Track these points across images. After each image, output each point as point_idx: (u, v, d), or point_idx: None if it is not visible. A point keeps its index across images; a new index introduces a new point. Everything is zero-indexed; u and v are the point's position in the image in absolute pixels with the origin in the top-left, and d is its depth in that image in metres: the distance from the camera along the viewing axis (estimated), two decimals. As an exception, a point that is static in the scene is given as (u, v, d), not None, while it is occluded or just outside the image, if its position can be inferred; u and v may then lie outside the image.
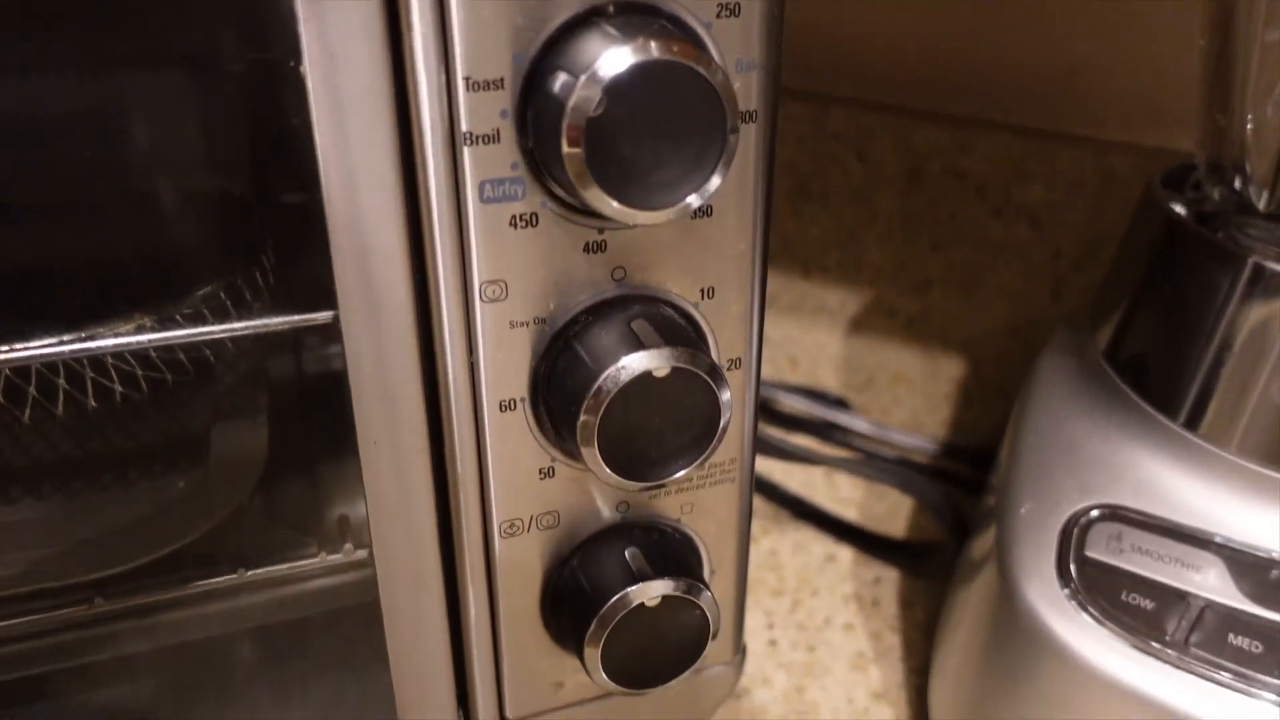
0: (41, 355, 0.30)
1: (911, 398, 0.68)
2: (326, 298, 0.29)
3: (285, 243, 0.37)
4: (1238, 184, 0.39)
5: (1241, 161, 0.38)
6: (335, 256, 0.28)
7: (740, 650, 0.41)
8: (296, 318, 0.30)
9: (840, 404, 0.70)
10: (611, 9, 0.27)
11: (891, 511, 0.62)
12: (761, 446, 0.65)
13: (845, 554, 0.59)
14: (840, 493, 0.64)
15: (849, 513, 0.62)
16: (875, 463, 0.64)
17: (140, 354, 0.32)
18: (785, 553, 0.59)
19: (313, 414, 0.38)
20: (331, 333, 0.30)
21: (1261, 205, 0.37)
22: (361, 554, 0.36)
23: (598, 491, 0.34)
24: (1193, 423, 0.39)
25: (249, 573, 0.34)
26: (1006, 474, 0.43)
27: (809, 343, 0.71)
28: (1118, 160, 0.57)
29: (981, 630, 0.41)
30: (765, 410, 0.70)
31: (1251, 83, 0.35)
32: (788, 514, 0.62)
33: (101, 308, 0.31)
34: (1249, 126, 0.36)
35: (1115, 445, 0.40)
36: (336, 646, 0.40)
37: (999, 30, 0.59)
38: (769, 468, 0.65)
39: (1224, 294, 0.37)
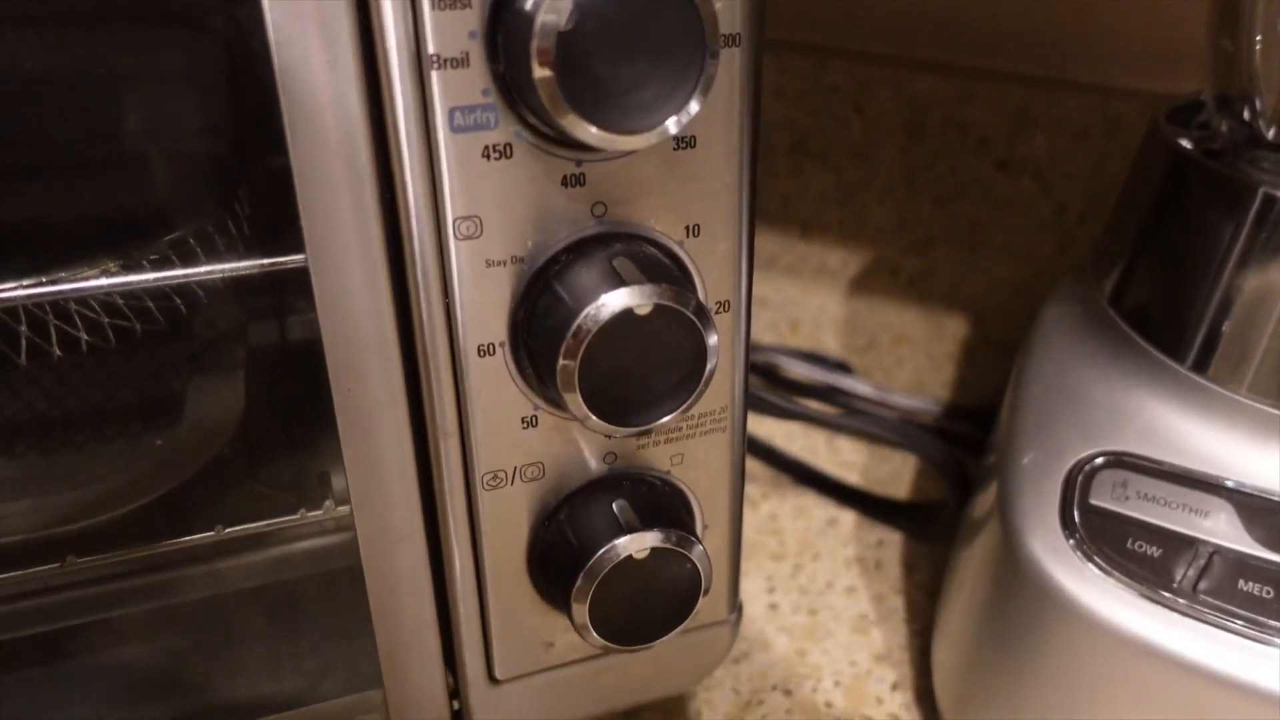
0: (2, 300, 0.29)
1: (914, 358, 0.67)
2: (300, 244, 0.28)
3: (260, 189, 0.35)
4: (1246, 116, 0.37)
5: (1250, 91, 0.37)
6: (300, 192, 0.27)
7: (736, 609, 0.40)
8: (264, 261, 0.29)
9: (842, 367, 0.69)
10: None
11: (894, 475, 0.61)
12: (763, 408, 0.64)
13: (847, 518, 0.58)
14: (843, 457, 0.63)
15: (851, 476, 0.61)
16: (878, 422, 0.62)
17: (108, 302, 0.31)
18: (786, 517, 0.58)
19: (293, 369, 0.37)
20: (305, 280, 0.29)
21: (1271, 135, 0.36)
22: (344, 510, 0.35)
23: (584, 441, 0.33)
24: (1201, 364, 0.37)
25: (227, 530, 0.33)
26: (1008, 425, 0.41)
27: (810, 305, 0.69)
28: (1124, 107, 0.55)
29: (984, 586, 0.40)
30: (766, 374, 0.69)
31: (1260, 3, 0.34)
32: (789, 479, 0.61)
33: (66, 253, 0.30)
34: (1257, 50, 0.35)
35: (1120, 391, 0.39)
36: (325, 611, 0.39)
37: (1000, -24, 0.57)
38: (770, 431, 0.64)
39: (1233, 228, 0.36)
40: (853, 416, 0.65)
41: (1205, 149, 0.40)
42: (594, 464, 0.33)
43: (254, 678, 0.36)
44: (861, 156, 0.63)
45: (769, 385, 0.68)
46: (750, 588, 0.53)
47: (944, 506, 0.56)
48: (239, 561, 0.36)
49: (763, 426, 0.64)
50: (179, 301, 0.32)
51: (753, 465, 0.61)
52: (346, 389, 0.29)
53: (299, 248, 0.28)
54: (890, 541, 0.56)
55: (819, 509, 0.59)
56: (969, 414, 0.64)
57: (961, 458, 0.58)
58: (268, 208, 0.35)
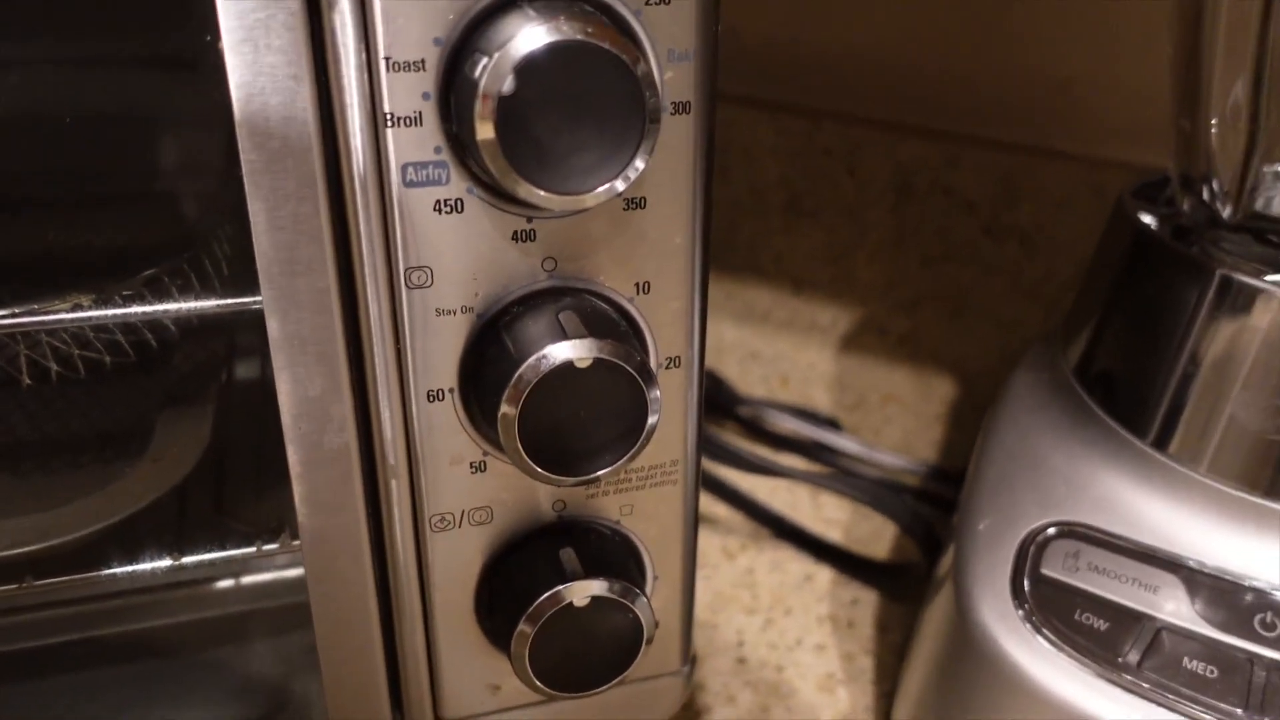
0: None
1: (903, 418, 0.67)
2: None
3: (240, 231, 0.37)
4: (1206, 196, 0.38)
5: (1209, 172, 0.37)
6: (257, 236, 0.28)
7: (689, 661, 0.40)
8: (224, 302, 0.30)
9: (831, 423, 0.69)
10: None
11: (876, 534, 0.61)
12: (743, 463, 0.64)
13: (824, 574, 0.58)
14: (825, 513, 0.63)
15: (833, 533, 0.61)
16: (850, 480, 0.62)
17: (78, 335, 0.32)
18: (762, 570, 0.58)
19: (259, 407, 0.38)
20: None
21: (1227, 215, 0.36)
22: (298, 544, 0.36)
23: (533, 488, 0.33)
24: (1160, 442, 0.38)
25: (184, 559, 0.34)
26: (969, 488, 0.42)
27: (801, 360, 0.70)
28: (1109, 178, 0.56)
29: (939, 649, 0.40)
30: (755, 428, 0.69)
31: (1215, 86, 0.34)
32: (768, 532, 0.61)
33: (40, 288, 0.31)
34: (1213, 132, 0.35)
35: (1079, 462, 0.39)
36: (278, 646, 0.39)
37: (990, 45, 0.58)
38: (753, 485, 0.64)
39: (1192, 307, 0.36)
40: (830, 473, 0.65)
41: (1172, 227, 0.40)
42: (543, 510, 0.34)
43: (197, 710, 0.37)
44: (853, 216, 0.64)
45: (758, 438, 0.69)
46: (720, 640, 0.53)
47: (917, 566, 0.56)
48: (192, 593, 0.37)
49: (745, 480, 0.65)
50: (151, 336, 0.34)
51: (732, 517, 0.61)
52: (300, 429, 0.30)
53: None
54: (865, 600, 0.56)
55: (796, 564, 0.59)
56: (953, 477, 0.64)
57: (930, 520, 0.58)
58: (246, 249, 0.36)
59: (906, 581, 0.56)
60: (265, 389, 0.39)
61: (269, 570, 0.40)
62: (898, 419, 0.68)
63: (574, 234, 0.30)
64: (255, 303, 0.30)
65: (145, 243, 0.34)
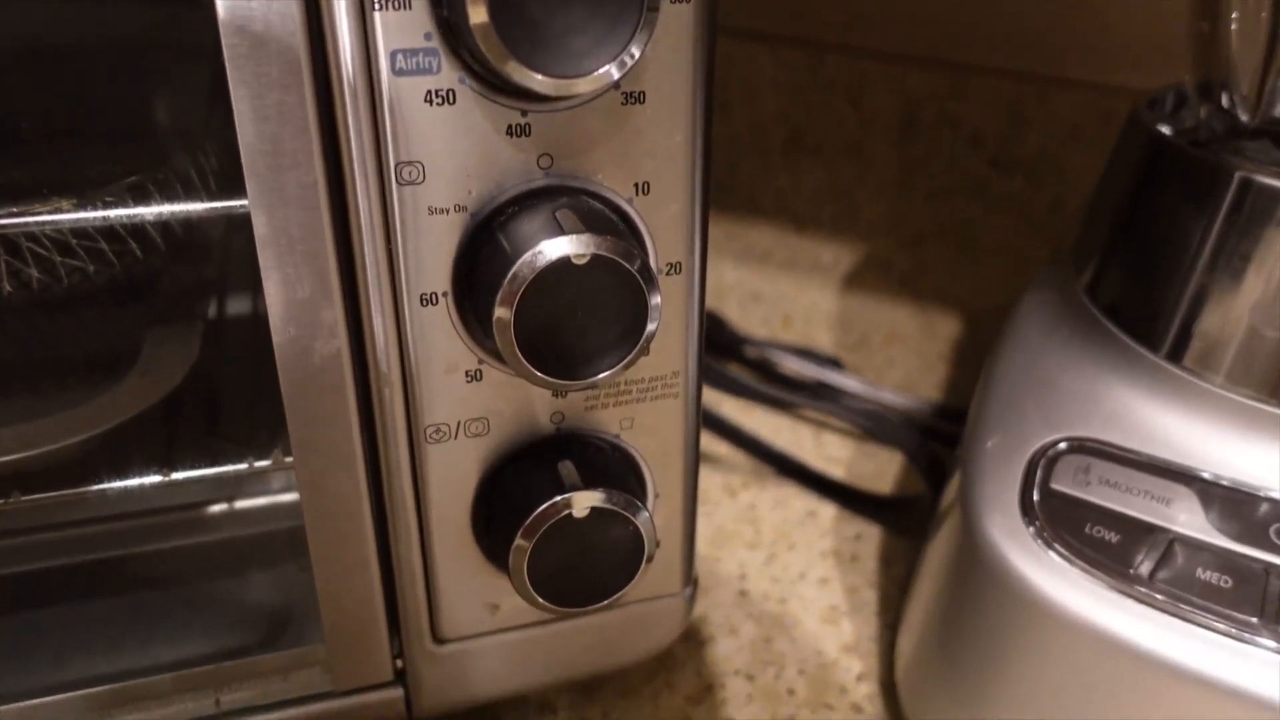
0: None
1: (906, 357, 0.66)
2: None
3: (226, 147, 0.36)
4: (1225, 103, 0.37)
5: (1228, 77, 0.36)
6: (241, 130, 0.27)
7: (691, 583, 0.39)
8: (211, 205, 0.29)
9: (834, 363, 0.68)
10: None
11: (879, 471, 0.60)
12: (746, 391, 0.63)
13: (827, 510, 0.57)
14: (828, 451, 0.62)
15: (835, 471, 0.60)
16: (854, 411, 0.61)
17: (60, 241, 0.31)
18: (765, 507, 0.57)
19: (251, 325, 0.37)
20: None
21: (1248, 121, 0.35)
22: (291, 460, 0.35)
23: (530, 399, 0.33)
24: (1175, 354, 0.37)
25: (174, 474, 0.33)
26: (976, 411, 0.41)
27: (803, 300, 0.69)
28: (1119, 104, 0.54)
29: (946, 573, 0.39)
30: (758, 368, 0.68)
31: (1234, -19, 0.33)
32: (771, 470, 0.60)
33: (20, 190, 0.30)
34: (1234, 33, 0.34)
35: (1090, 378, 0.38)
36: (277, 573, 0.39)
37: (998, -30, 0.57)
38: (757, 423, 0.64)
39: (1209, 214, 0.35)
40: (834, 406, 0.64)
41: (1188, 139, 0.39)
42: (541, 423, 0.33)
43: (199, 630, 0.36)
44: (856, 152, 0.63)
45: (760, 380, 0.68)
46: (722, 574, 0.52)
47: (922, 500, 0.55)
48: (191, 516, 0.36)
49: (749, 418, 0.64)
50: (136, 247, 0.33)
51: (734, 455, 0.61)
52: (288, 333, 0.30)
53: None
54: (869, 535, 0.55)
55: (799, 501, 0.58)
56: (958, 415, 0.63)
57: (938, 450, 0.57)
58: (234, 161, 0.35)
59: (911, 515, 0.55)
60: (258, 307, 0.38)
61: (265, 494, 0.39)
62: (901, 359, 0.67)
63: (570, 129, 0.29)
64: (241, 206, 0.29)
65: (130, 158, 0.33)
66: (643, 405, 0.34)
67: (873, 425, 0.59)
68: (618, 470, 0.34)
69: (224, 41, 0.26)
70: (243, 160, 0.27)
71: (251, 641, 0.37)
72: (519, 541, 0.31)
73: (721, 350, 0.69)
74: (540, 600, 0.32)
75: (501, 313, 0.28)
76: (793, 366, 0.68)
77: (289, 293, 0.29)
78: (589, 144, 0.29)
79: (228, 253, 0.38)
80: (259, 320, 0.34)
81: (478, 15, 0.25)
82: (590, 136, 0.29)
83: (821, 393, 0.67)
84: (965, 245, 0.62)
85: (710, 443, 0.61)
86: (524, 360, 0.28)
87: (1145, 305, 0.38)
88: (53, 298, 0.33)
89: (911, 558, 0.53)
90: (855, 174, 0.63)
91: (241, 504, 0.39)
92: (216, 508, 0.39)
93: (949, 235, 0.62)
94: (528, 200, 0.29)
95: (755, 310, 0.70)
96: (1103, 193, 0.42)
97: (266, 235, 0.28)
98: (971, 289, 0.63)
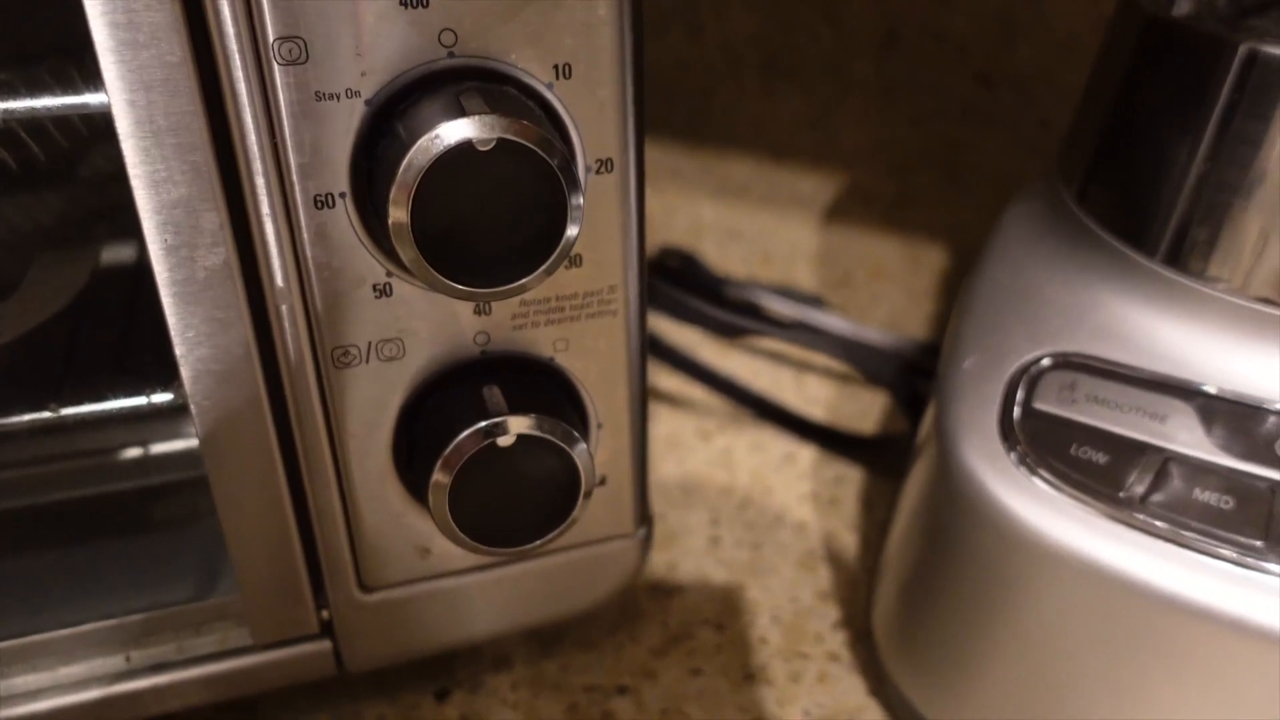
0: None
1: (892, 294, 0.63)
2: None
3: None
4: (1227, -25, 0.33)
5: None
6: (89, 2, 0.23)
7: (645, 523, 0.36)
8: (63, 101, 0.26)
9: (816, 302, 0.64)
10: None
11: (862, 413, 0.57)
12: (720, 327, 0.60)
13: (806, 454, 0.54)
14: (809, 392, 0.59)
15: (816, 413, 0.57)
16: (842, 347, 0.58)
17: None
18: (740, 451, 0.54)
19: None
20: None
21: (1252, -9, 0.32)
22: (167, 396, 0.32)
23: (450, 317, 0.29)
24: (1173, 257, 0.33)
25: (64, 410, 0.30)
26: (952, 332, 0.37)
27: (783, 237, 0.65)
28: (1114, 9, 0.50)
29: (921, 508, 0.36)
30: (740, 309, 0.65)
31: None
32: (748, 414, 0.57)
33: None
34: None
35: (1077, 289, 0.35)
36: (188, 515, 0.36)
37: None
38: (735, 367, 0.60)
39: (1211, 94, 0.31)
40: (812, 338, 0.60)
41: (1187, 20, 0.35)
42: (464, 345, 0.30)
43: (109, 582, 0.33)
44: (834, 73, 0.59)
45: (742, 316, 0.64)
46: (692, 521, 0.49)
47: (904, 439, 0.52)
48: (97, 462, 0.33)
49: (727, 361, 0.60)
50: (12, 158, 0.29)
51: (710, 399, 0.57)
52: (165, 241, 0.26)
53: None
54: (849, 478, 0.52)
55: (777, 444, 0.55)
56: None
57: (924, 387, 0.54)
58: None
59: (894, 456, 0.52)
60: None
61: (179, 438, 0.36)
62: (886, 295, 0.63)
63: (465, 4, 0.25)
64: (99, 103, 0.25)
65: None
66: (578, 324, 0.31)
67: (854, 359, 0.56)
68: (552, 396, 0.31)
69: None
70: (94, 38, 0.24)
71: (165, 595, 0.34)
72: (438, 475, 0.28)
73: (699, 292, 0.65)
74: (466, 540, 0.29)
75: (397, 209, 0.24)
76: (774, 306, 0.64)
77: (162, 194, 0.26)
78: (496, 18, 0.26)
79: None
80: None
81: None
82: (497, 8, 0.26)
83: (804, 333, 0.63)
84: (953, 171, 0.58)
85: (685, 387, 0.58)
86: (426, 264, 0.25)
87: (1140, 206, 0.34)
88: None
89: (893, 499, 0.50)
90: (834, 97, 0.59)
91: (158, 449, 0.36)
92: (130, 453, 0.36)
93: (935, 161, 0.58)
94: (430, 83, 0.26)
95: (733, 248, 0.67)
96: (1092, 91, 0.38)
97: (129, 126, 0.25)
98: (960, 218, 0.59)
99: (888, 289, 0.63)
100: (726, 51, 0.61)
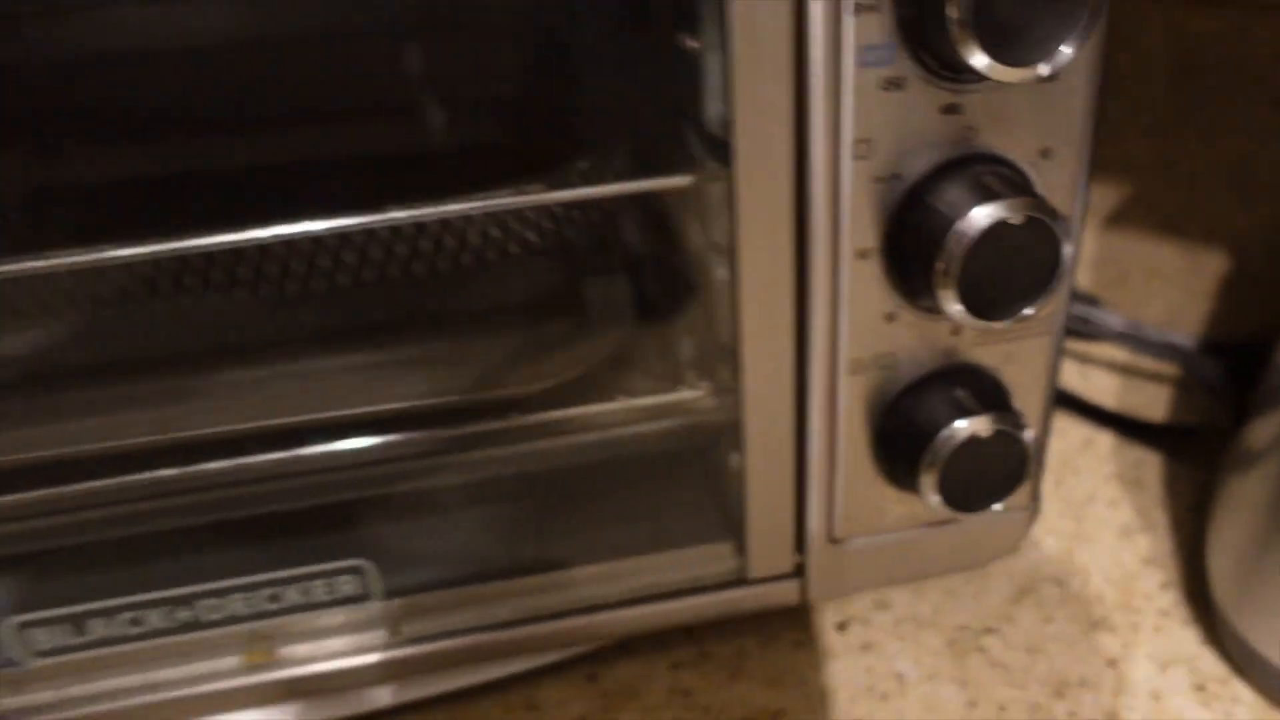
0: (442, 213, 0.37)
1: (1168, 292, 0.69)
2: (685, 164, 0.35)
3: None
4: None
5: None
6: (739, 112, 0.33)
7: (1036, 498, 0.45)
8: (666, 181, 0.36)
9: (1090, 300, 0.71)
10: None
11: (1150, 403, 0.64)
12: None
13: (1104, 439, 0.61)
14: (1094, 383, 0.66)
15: (1107, 403, 0.64)
16: (1155, 346, 0.64)
17: (519, 213, 0.38)
18: (1044, 435, 0.62)
19: (663, 273, 0.44)
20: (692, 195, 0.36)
21: None
22: (694, 394, 0.42)
23: (931, 338, 0.38)
24: None
25: (633, 400, 0.40)
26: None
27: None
28: None
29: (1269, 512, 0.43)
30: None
31: None
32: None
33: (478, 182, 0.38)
34: None
35: None
36: (677, 482, 0.46)
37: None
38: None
39: None
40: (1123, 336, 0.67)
41: None
42: (936, 358, 0.39)
43: (613, 530, 0.44)
44: (1126, 92, 0.65)
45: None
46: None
47: (1211, 429, 0.58)
48: (615, 434, 0.44)
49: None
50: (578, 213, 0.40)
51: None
52: (750, 278, 0.36)
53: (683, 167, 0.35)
54: (1149, 462, 0.59)
55: (1074, 430, 0.62)
56: (1226, 349, 0.65)
57: (1239, 382, 0.60)
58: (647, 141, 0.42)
59: (1198, 442, 0.59)
60: (667, 256, 0.45)
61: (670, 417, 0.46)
62: (1162, 293, 0.69)
63: (993, 106, 0.34)
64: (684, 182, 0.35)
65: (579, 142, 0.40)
66: (1021, 343, 0.39)
67: (1172, 355, 0.62)
68: (995, 397, 0.39)
69: (735, 37, 0.32)
70: (734, 139, 0.33)
71: (658, 539, 0.44)
72: (929, 456, 0.37)
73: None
74: (943, 504, 0.38)
75: (944, 268, 0.33)
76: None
77: (755, 248, 0.35)
78: (1007, 119, 0.34)
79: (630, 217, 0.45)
80: (679, 271, 0.41)
81: (956, 13, 0.30)
82: (1009, 112, 0.34)
83: (1079, 329, 0.70)
84: (1240, 186, 0.64)
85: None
86: (960, 305, 0.34)
87: None
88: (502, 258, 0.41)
89: (1195, 484, 0.57)
90: (1125, 113, 0.66)
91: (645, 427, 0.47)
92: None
93: (1222, 175, 0.64)
94: (952, 167, 0.35)
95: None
96: None
97: (746, 200, 0.34)
98: (1243, 224, 0.65)
99: (1163, 287, 0.69)
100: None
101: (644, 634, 0.47)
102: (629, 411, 0.41)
